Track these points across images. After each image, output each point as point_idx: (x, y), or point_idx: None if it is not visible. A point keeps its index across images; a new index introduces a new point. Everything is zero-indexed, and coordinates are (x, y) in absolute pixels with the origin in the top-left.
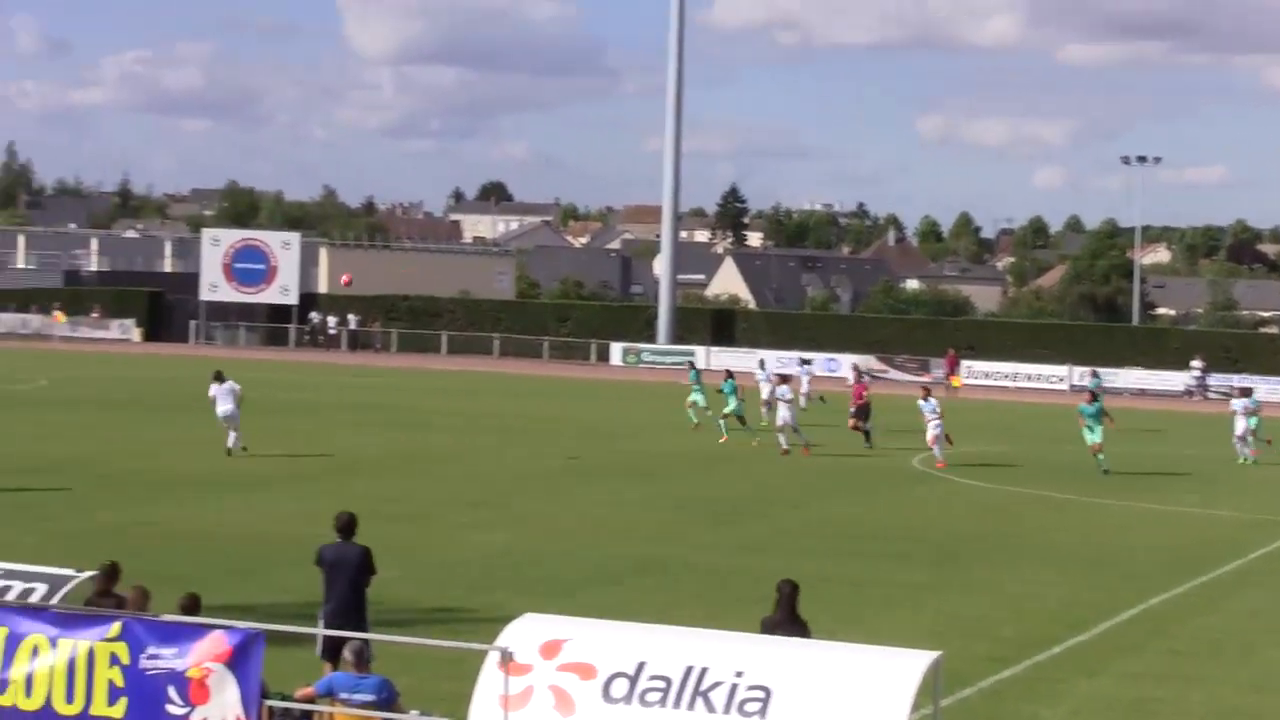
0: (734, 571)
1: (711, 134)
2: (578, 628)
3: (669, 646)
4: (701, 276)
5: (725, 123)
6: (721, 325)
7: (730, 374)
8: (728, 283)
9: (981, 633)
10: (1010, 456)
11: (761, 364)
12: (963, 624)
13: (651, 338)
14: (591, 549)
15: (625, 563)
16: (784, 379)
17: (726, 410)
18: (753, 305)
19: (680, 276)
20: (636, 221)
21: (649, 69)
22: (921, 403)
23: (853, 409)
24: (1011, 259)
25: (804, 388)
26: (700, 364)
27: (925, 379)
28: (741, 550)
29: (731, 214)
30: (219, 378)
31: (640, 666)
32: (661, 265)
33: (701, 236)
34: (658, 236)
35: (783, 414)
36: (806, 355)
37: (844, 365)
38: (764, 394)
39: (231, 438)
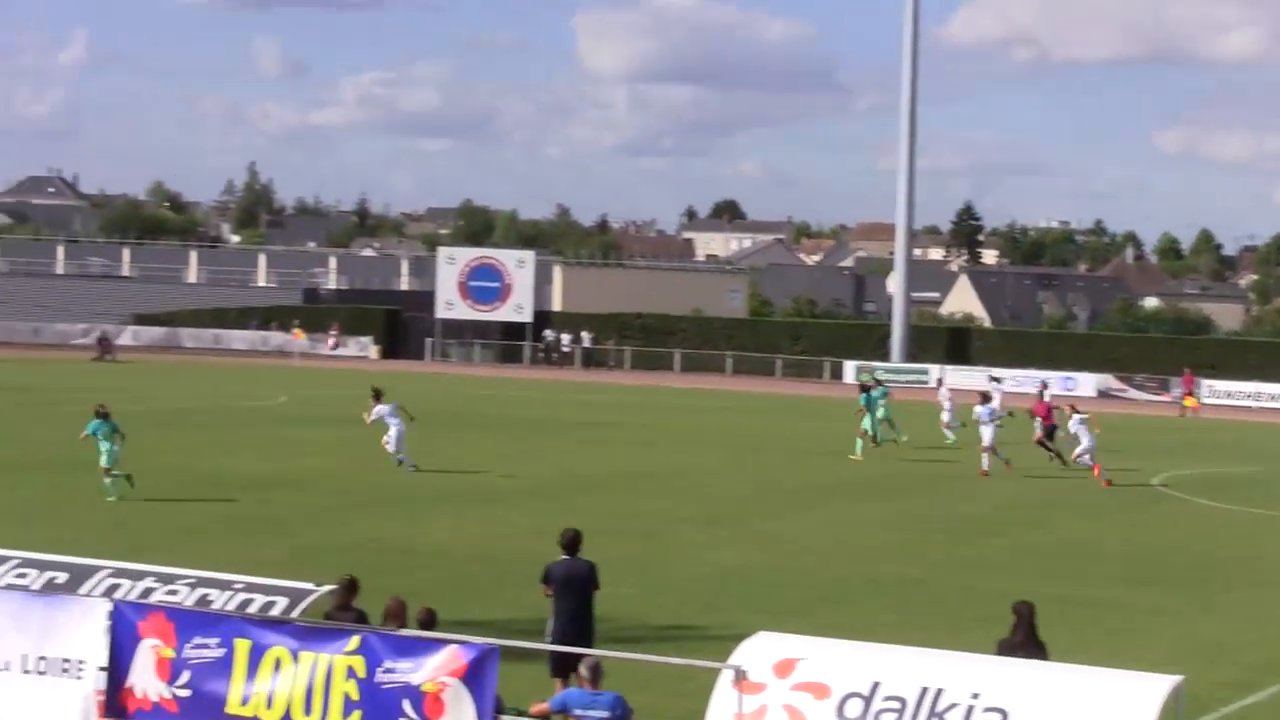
0: (970, 591)
1: (946, 151)
2: (812, 647)
3: (904, 666)
4: (936, 294)
5: (960, 139)
6: (956, 344)
7: (877, 384)
8: (962, 301)
9: (1225, 657)
10: (1252, 478)
11: (939, 382)
12: (1204, 648)
13: (885, 356)
14: (825, 567)
15: (860, 581)
16: (985, 397)
17: (864, 425)
18: (988, 323)
19: (914, 294)
20: (870, 239)
21: (882, 86)
22: (1073, 419)
23: (1040, 427)
24: (1254, 276)
25: (995, 402)
26: (937, 380)
27: (1165, 397)
28: (978, 569)
29: (966, 231)
30: (379, 396)
31: (875, 687)
32: (895, 283)
33: (936, 254)
34: (891, 254)
35: (986, 435)
36: (996, 373)
37: (1081, 384)
38: (945, 416)
39: (400, 455)
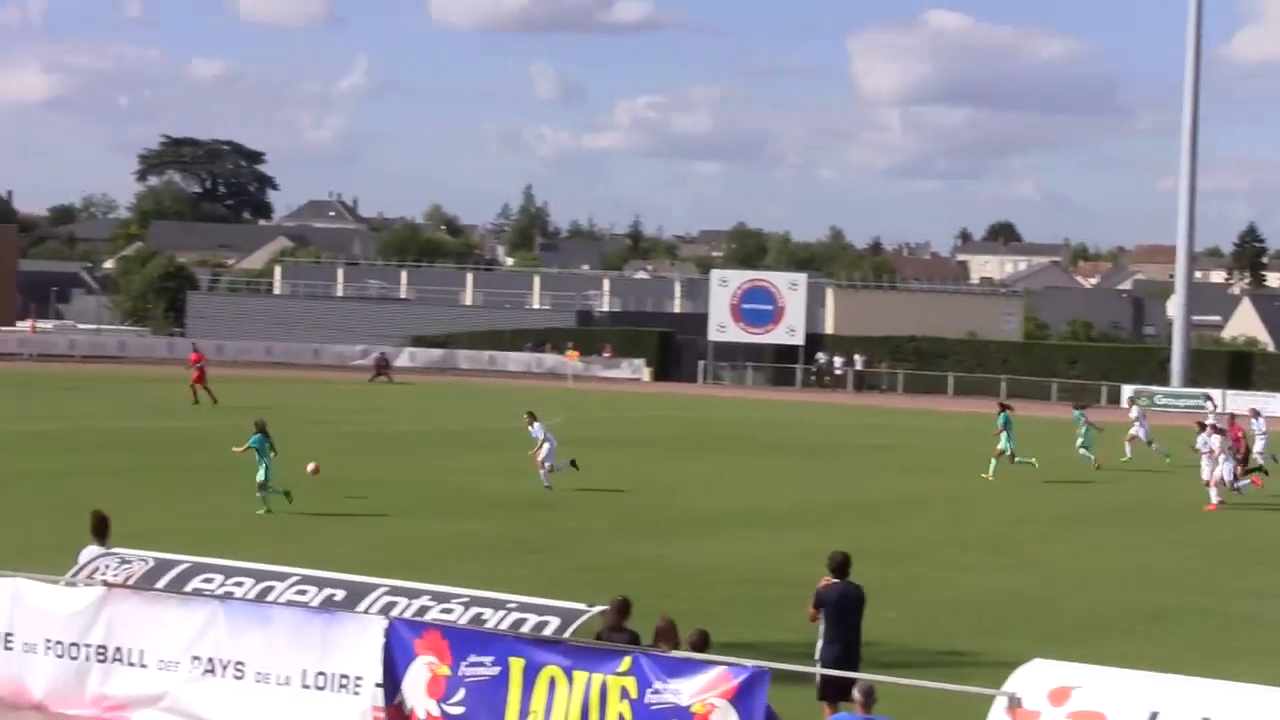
0: (1252, 621)
1: (1228, 171)
2: (1088, 675)
3: (1183, 697)
4: (1217, 318)
5: (1242, 160)
6: (1238, 368)
7: (1005, 407)
8: (1245, 324)
9: None
10: None
11: (1131, 402)
12: None
13: (1164, 380)
14: (1100, 594)
15: (1136, 608)
16: (1217, 430)
17: (1000, 445)
18: (1271, 348)
19: (1195, 318)
20: (1149, 261)
21: (1163, 106)
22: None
23: (1239, 453)
24: None
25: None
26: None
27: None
28: (1262, 599)
29: (1249, 254)
30: (534, 418)
31: (1153, 716)
32: (1175, 306)
33: (1217, 277)
34: (1171, 276)
35: (1221, 468)
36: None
37: None
38: (1140, 432)
39: (554, 466)
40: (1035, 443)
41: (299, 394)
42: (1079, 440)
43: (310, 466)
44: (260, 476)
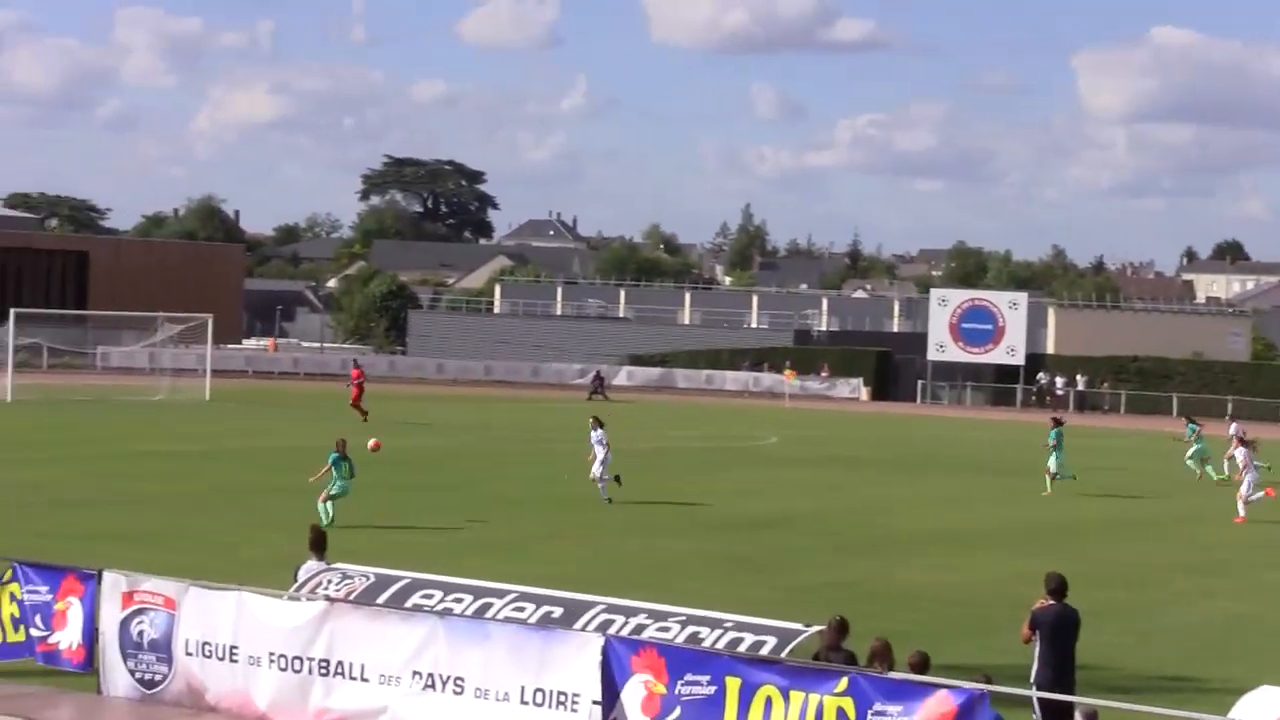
0: None
1: None
2: None
3: None
4: None
5: None
6: None
7: (1058, 421)
8: None
9: None
10: None
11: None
12: None
13: None
14: None
15: None
16: (1244, 442)
17: (1048, 463)
18: None
19: None
20: None
21: None
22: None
23: None
24: None
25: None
26: None
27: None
28: None
29: None
30: (599, 423)
31: None
32: None
33: None
34: None
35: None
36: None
37: None
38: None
39: (602, 480)
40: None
41: (517, 412)
42: (1189, 452)
43: (371, 443)
44: (333, 490)
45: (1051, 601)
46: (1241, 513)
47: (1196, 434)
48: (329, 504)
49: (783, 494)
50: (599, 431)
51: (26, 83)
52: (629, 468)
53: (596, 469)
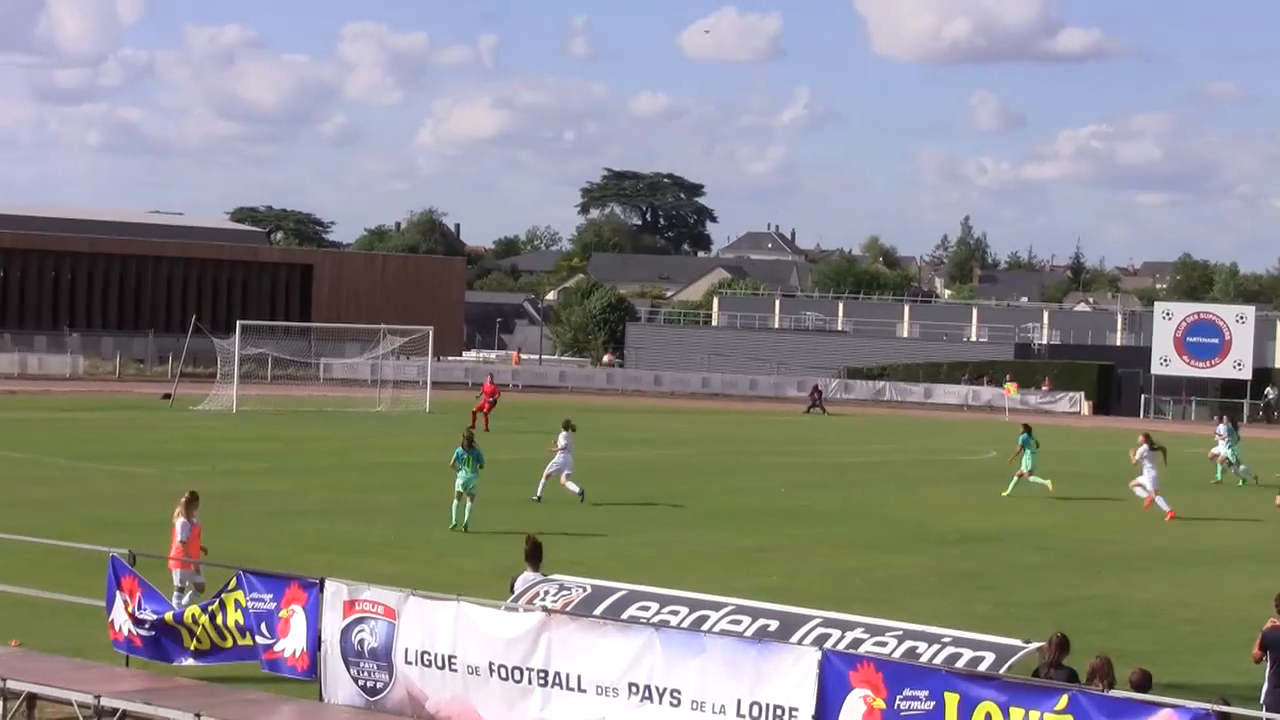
0: None
1: None
2: None
3: None
4: None
5: None
6: None
7: (1028, 428)
8: None
9: None
10: None
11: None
12: None
13: None
14: None
15: None
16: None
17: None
18: None
19: None
20: None
21: None
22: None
23: None
24: None
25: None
26: None
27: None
28: None
29: None
30: (568, 426)
31: None
32: None
33: None
34: None
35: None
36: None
37: None
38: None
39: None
40: None
41: (735, 425)
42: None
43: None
44: (458, 487)
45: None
46: None
47: (1231, 432)
48: (457, 504)
49: (1003, 509)
50: (567, 434)
51: (256, 99)
52: (847, 481)
53: (552, 466)
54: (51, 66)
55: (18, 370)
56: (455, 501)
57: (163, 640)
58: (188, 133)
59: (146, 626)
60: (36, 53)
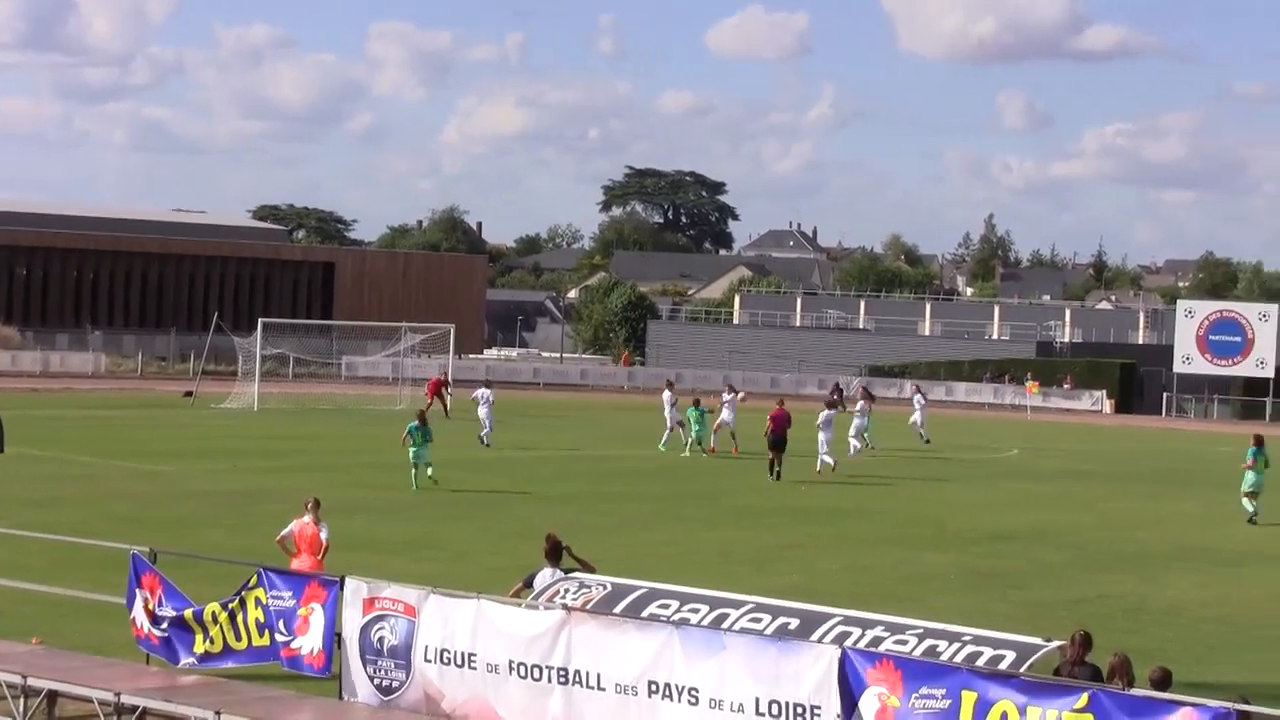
0: None
1: None
2: None
3: None
4: None
5: None
6: None
7: (698, 401)
8: None
9: None
10: None
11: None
12: None
13: None
14: None
15: None
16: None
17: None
18: None
19: None
20: None
21: None
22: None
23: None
24: None
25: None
26: None
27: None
28: None
29: None
30: (488, 384)
31: None
32: None
33: None
34: None
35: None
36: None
37: None
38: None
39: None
40: None
41: (756, 423)
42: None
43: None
44: (411, 459)
45: None
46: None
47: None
48: (415, 473)
49: (1025, 507)
50: (486, 390)
51: (283, 98)
52: (869, 479)
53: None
54: (80, 65)
55: (40, 368)
56: (413, 471)
57: (173, 640)
58: (215, 132)
59: (163, 625)
60: (66, 52)
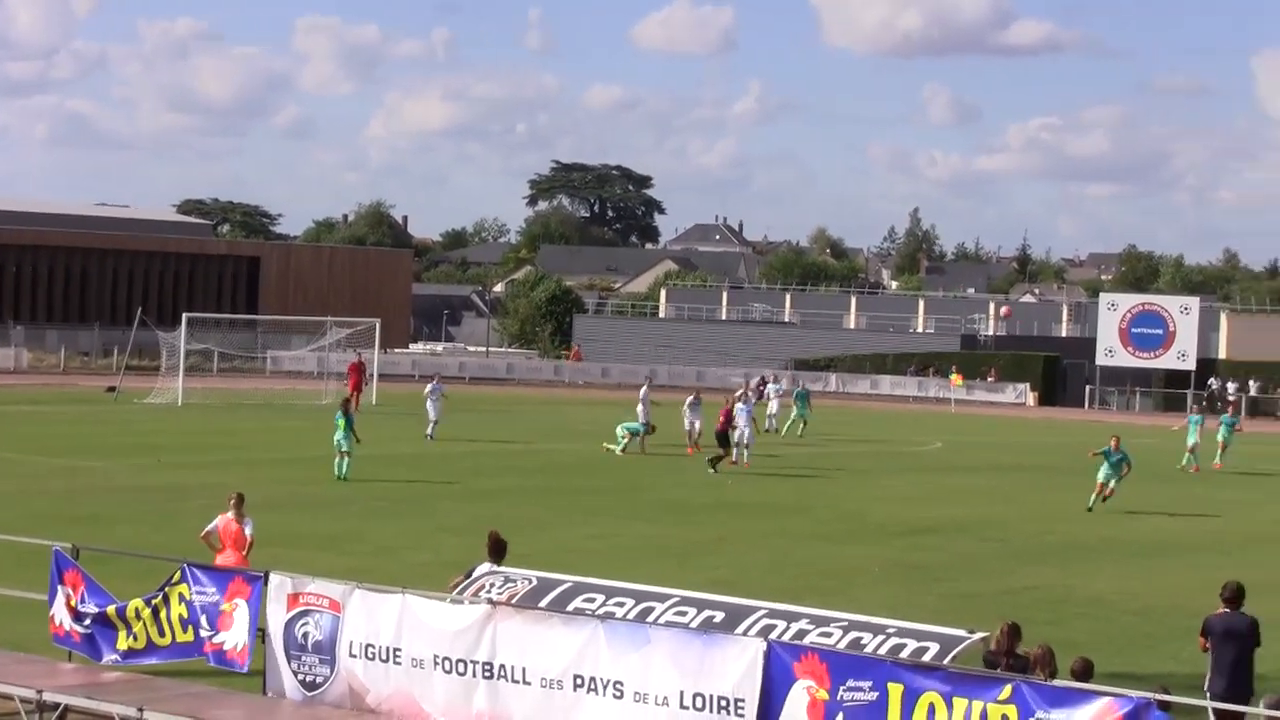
0: None
1: None
2: None
3: None
4: None
5: None
6: None
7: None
8: None
9: None
10: None
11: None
12: None
13: None
14: None
15: None
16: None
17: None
18: None
19: None
20: None
21: None
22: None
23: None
24: None
25: (774, 408)
26: None
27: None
28: None
29: None
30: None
31: None
32: None
33: None
34: None
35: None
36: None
37: None
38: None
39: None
40: None
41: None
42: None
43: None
44: (335, 443)
45: (1225, 609)
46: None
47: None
48: (338, 459)
49: (949, 500)
50: (435, 383)
51: (208, 92)
52: (791, 474)
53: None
54: (2, 60)
55: None
56: (336, 458)
57: (96, 636)
58: (139, 126)
59: (85, 622)
60: None
